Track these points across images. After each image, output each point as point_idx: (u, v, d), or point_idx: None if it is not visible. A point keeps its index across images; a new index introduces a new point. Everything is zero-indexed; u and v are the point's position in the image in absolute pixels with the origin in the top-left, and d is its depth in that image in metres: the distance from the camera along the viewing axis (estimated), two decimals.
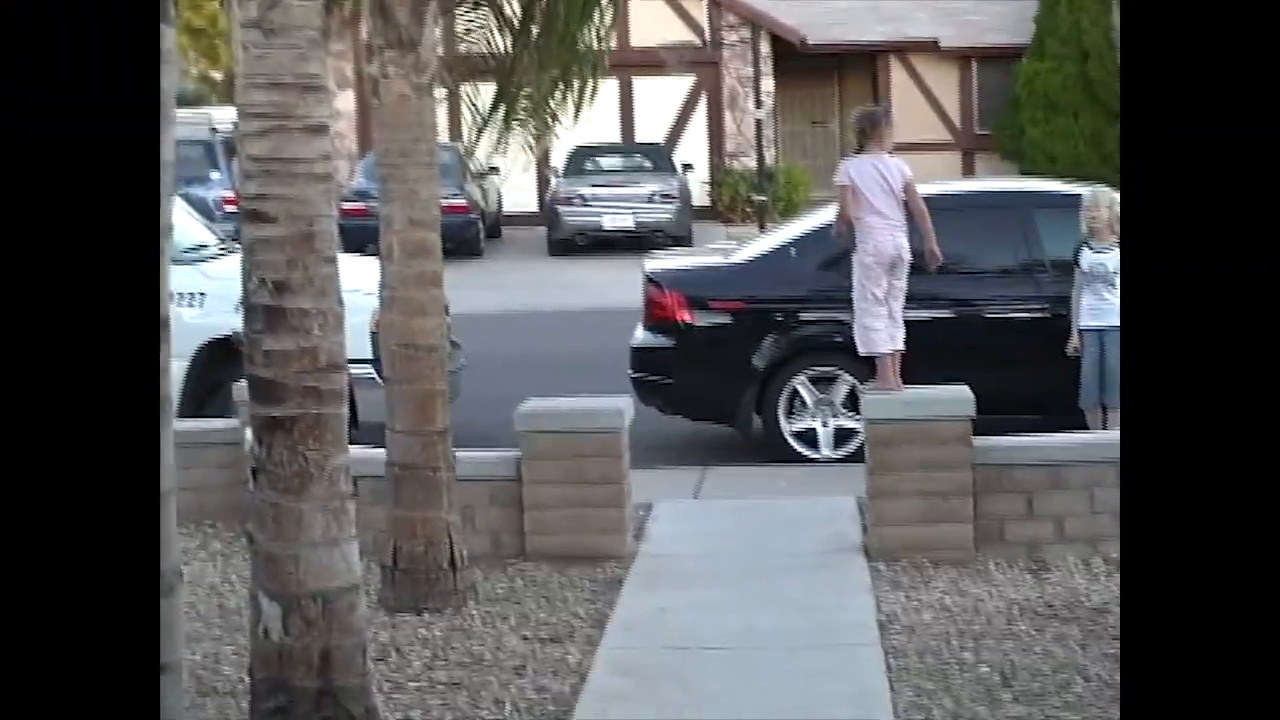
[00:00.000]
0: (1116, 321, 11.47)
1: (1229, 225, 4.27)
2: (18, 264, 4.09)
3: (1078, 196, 12.89)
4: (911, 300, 11.51)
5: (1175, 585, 4.20)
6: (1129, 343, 4.40)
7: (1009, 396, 12.30)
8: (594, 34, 10.09)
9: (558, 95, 10.29)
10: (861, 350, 10.96)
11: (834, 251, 12.57)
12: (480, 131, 10.37)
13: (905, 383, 10.85)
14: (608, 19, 10.22)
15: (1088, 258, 12.02)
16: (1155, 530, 4.24)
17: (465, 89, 10.55)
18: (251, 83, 6.45)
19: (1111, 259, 11.81)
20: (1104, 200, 12.16)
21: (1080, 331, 11.97)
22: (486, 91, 10.49)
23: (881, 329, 10.90)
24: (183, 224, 12.87)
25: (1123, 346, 4.61)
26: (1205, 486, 4.21)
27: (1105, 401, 11.89)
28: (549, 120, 10.55)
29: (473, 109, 10.44)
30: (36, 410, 4.11)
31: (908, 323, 11.33)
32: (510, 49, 10.16)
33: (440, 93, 9.82)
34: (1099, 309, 11.92)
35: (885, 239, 10.85)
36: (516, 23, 10.16)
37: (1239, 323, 4.24)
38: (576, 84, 10.23)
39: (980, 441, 9.87)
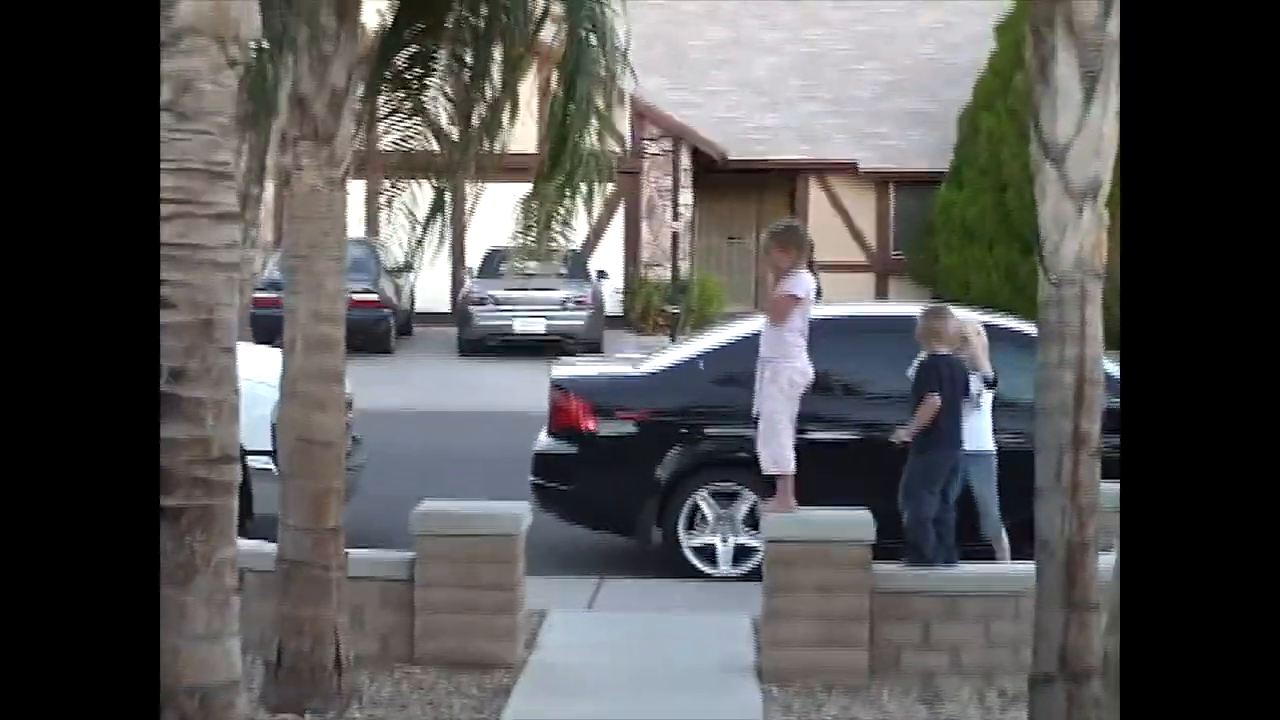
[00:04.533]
0: (979, 446, 11.42)
1: (1228, 228, 4.25)
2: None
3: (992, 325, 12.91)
4: (816, 421, 11.44)
5: (1172, 579, 4.17)
6: (1128, 347, 4.36)
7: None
8: (595, 137, 10.00)
9: (566, 202, 10.19)
10: (773, 470, 10.67)
11: (741, 367, 12.50)
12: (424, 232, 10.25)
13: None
14: (606, 125, 10.12)
15: None
16: (1152, 533, 4.21)
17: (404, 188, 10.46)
18: (161, 167, 6.36)
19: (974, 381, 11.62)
20: (953, 322, 11.80)
21: None
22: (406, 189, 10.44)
23: (790, 448, 10.70)
24: None
25: (1121, 350, 4.54)
26: (1202, 489, 4.18)
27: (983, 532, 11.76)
28: (562, 226, 10.46)
29: (408, 217, 10.33)
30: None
31: (811, 444, 11.30)
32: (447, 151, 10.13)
33: (357, 187, 9.73)
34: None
35: (805, 360, 10.64)
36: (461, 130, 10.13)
37: (1236, 325, 4.21)
38: (584, 188, 10.13)
39: (879, 567, 9.81)
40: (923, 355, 11.13)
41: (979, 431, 11.53)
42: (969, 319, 12.25)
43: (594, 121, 9.84)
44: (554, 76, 9.86)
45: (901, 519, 10.63)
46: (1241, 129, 4.39)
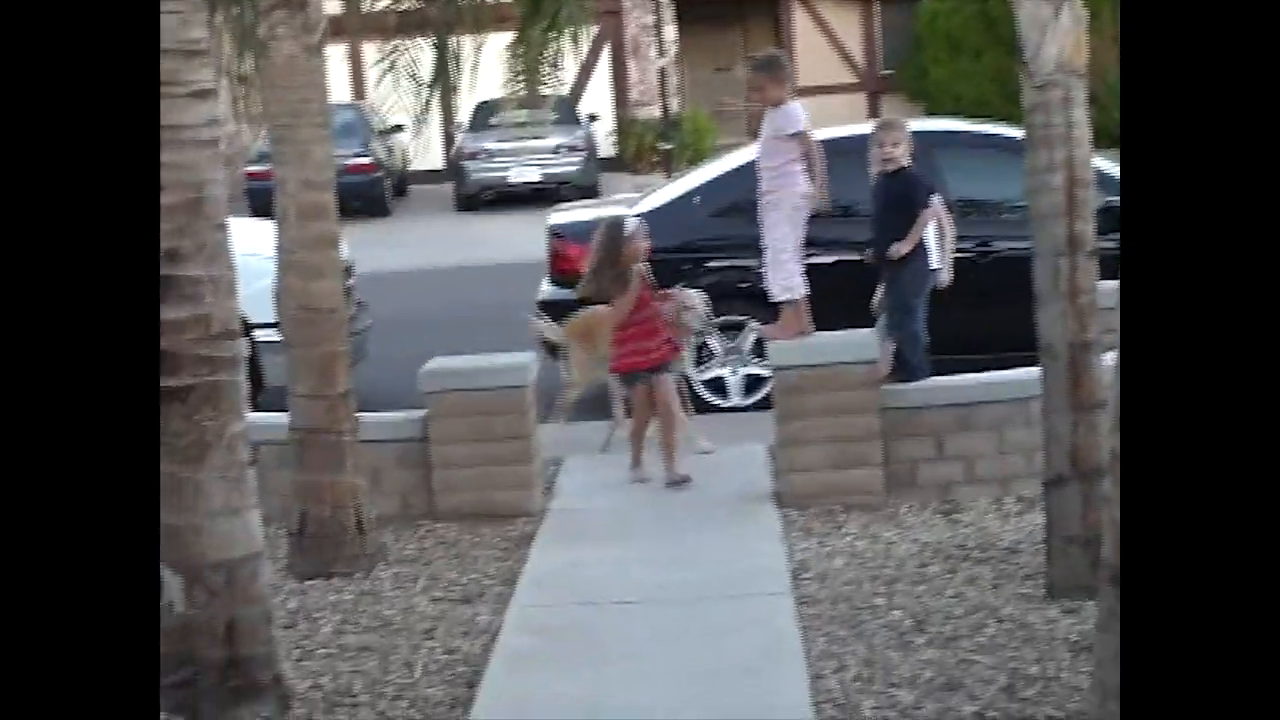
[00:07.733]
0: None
1: (1229, 215, 4.22)
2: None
3: (985, 135, 12.96)
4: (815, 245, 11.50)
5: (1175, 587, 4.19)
6: (1126, 334, 4.36)
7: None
8: None
9: (552, 47, 10.17)
10: (784, 296, 10.77)
11: (737, 198, 12.51)
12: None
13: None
14: None
15: None
16: (1153, 529, 4.22)
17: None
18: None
19: None
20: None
21: None
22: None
23: (798, 273, 10.75)
24: None
25: (1121, 337, 4.53)
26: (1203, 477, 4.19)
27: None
28: (549, 71, 10.43)
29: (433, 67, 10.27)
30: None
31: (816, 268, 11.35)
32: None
33: (341, 51, 9.64)
34: None
35: (806, 184, 10.67)
36: None
37: (1237, 312, 4.19)
38: (569, 32, 10.10)
39: (888, 385, 9.86)
40: (885, 168, 11.14)
41: None
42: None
43: None
44: None
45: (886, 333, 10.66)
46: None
